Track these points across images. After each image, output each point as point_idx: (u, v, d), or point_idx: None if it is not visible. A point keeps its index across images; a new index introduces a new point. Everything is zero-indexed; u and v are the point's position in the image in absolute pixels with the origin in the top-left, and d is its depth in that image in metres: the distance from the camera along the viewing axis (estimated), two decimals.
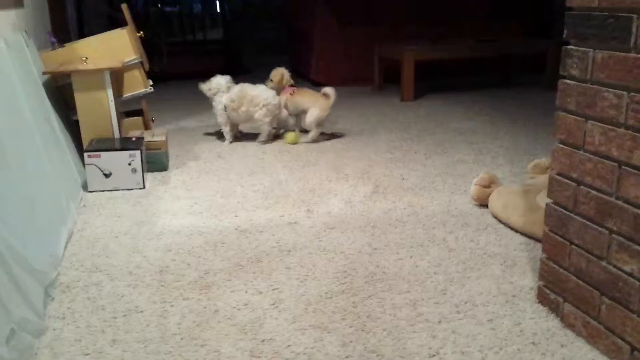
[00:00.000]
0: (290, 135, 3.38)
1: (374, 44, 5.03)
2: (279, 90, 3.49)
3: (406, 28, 5.55)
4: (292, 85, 3.54)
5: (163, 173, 2.84)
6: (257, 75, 6.24)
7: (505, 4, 6.23)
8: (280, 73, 3.55)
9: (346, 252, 1.92)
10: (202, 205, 2.39)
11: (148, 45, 5.57)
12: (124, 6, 2.98)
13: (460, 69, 5.62)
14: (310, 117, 3.34)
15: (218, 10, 7.10)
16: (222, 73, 3.49)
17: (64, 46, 2.94)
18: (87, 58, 2.81)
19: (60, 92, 2.89)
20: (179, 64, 5.78)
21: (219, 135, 3.56)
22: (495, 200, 2.19)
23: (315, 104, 3.35)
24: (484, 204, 2.30)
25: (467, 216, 2.22)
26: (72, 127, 2.84)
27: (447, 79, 5.62)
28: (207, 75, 3.59)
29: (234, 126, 3.42)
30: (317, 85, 5.42)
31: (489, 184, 2.29)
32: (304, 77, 5.82)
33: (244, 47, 7.72)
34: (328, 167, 2.89)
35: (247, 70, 6.48)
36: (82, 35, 5.24)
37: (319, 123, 3.37)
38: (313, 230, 2.12)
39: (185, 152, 3.22)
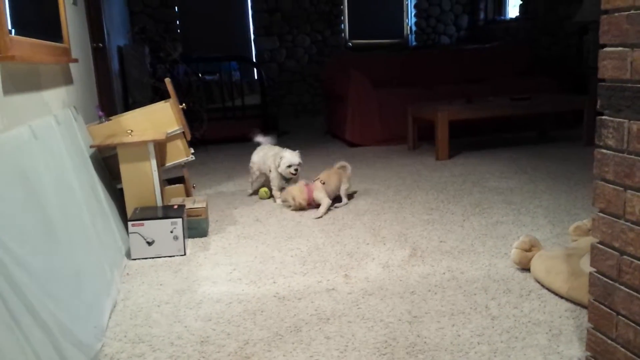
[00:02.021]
0: (263, 191, 3.68)
1: (408, 104, 5.11)
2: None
3: (440, 87, 5.65)
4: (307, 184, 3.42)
5: (203, 239, 2.89)
6: (293, 137, 6.40)
7: (540, 61, 6.28)
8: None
9: (386, 321, 1.90)
10: (241, 271, 2.42)
11: (189, 113, 5.81)
12: (167, 80, 3.15)
13: (496, 125, 5.64)
14: (344, 191, 3.47)
15: (256, 77, 7.39)
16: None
17: (110, 119, 3.10)
18: (132, 131, 2.95)
19: (106, 163, 3.02)
20: (218, 129, 5.97)
21: (256, 200, 3.64)
22: (538, 265, 2.14)
23: (343, 179, 3.47)
24: (525, 268, 2.25)
25: (509, 281, 2.17)
26: (117, 195, 2.95)
27: (482, 136, 5.64)
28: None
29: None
30: (352, 146, 5.51)
31: (530, 247, 2.25)
32: (339, 138, 5.93)
33: (280, 110, 7.96)
34: (365, 230, 2.90)
35: (283, 133, 6.65)
36: (126, 104, 5.51)
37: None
38: (351, 296, 2.11)
39: (224, 217, 3.29)
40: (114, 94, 4.91)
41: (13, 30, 2.01)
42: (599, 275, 1.42)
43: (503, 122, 5.60)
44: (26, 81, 2.17)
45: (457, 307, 1.97)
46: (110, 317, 2.01)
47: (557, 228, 2.78)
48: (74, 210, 2.11)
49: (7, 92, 1.88)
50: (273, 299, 2.12)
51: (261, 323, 1.92)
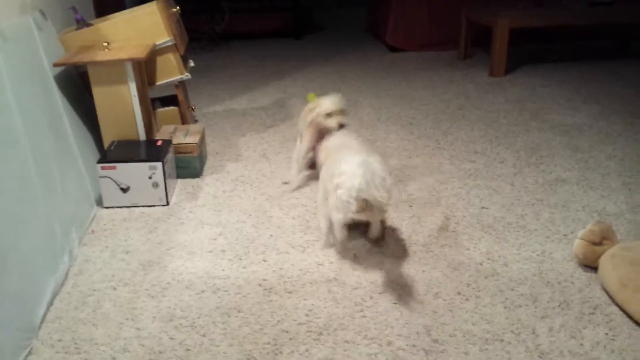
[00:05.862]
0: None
1: (460, 5, 4.28)
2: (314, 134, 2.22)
3: None
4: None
5: (195, 180, 2.43)
6: (327, 35, 5.66)
7: None
8: (309, 109, 2.19)
9: (395, 344, 1.43)
10: (228, 238, 1.96)
11: (209, 2, 5.11)
12: None
13: (566, 30, 4.75)
14: None
15: None
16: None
17: (90, 24, 2.54)
18: (108, 44, 2.39)
19: (83, 79, 2.51)
20: (242, 23, 5.30)
21: (269, 124, 3.10)
22: (609, 272, 1.59)
23: None
24: (591, 266, 1.71)
25: (567, 287, 1.64)
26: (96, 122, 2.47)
27: (548, 44, 4.78)
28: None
29: None
30: (393, 50, 4.77)
31: (601, 240, 1.69)
32: (379, 39, 5.17)
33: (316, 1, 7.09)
34: None
35: (317, 30, 5.90)
36: None
37: None
38: (356, 294, 1.64)
39: (226, 148, 2.79)
40: None
41: None
42: None
43: (575, 27, 4.70)
44: None
45: (493, 329, 1.47)
46: (52, 304, 1.61)
47: (635, 196, 2.17)
48: (12, 166, 1.64)
49: None
50: (257, 289, 1.67)
51: (231, 333, 1.49)
